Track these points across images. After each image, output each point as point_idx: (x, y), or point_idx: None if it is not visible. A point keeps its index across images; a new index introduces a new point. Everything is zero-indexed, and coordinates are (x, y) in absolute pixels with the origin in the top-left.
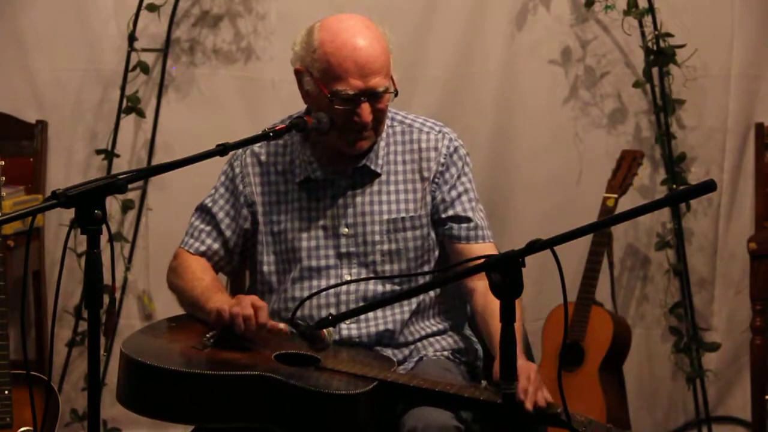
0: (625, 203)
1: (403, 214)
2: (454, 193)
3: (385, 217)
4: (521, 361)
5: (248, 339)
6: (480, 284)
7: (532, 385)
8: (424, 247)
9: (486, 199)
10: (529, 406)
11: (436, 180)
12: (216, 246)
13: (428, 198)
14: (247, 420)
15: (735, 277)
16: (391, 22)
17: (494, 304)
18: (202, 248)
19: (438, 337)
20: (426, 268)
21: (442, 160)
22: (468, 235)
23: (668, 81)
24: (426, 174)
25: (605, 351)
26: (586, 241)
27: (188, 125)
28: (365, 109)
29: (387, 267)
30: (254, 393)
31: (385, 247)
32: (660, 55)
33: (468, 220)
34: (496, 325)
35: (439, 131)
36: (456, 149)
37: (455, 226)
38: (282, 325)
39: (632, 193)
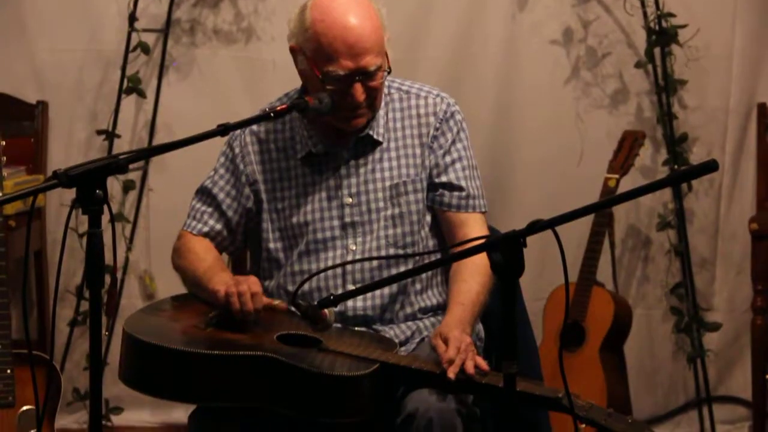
0: (627, 184)
1: (404, 179)
2: (448, 159)
3: (387, 183)
4: (457, 332)
5: (248, 320)
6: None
7: (461, 355)
8: (424, 210)
9: (486, 179)
10: (450, 375)
11: (432, 144)
12: (218, 226)
13: (426, 162)
14: (247, 400)
15: (736, 257)
16: (392, 1)
17: (467, 266)
18: (205, 229)
19: (439, 317)
20: (422, 233)
21: (437, 125)
22: (459, 204)
23: (670, 61)
24: (425, 139)
25: (606, 331)
26: (587, 221)
27: (189, 106)
28: (357, 89)
29: (390, 231)
30: (255, 373)
31: (388, 212)
32: (662, 35)
33: (460, 188)
34: (459, 285)
35: (437, 95)
36: (452, 114)
37: (447, 193)
38: (277, 301)
39: (634, 173)
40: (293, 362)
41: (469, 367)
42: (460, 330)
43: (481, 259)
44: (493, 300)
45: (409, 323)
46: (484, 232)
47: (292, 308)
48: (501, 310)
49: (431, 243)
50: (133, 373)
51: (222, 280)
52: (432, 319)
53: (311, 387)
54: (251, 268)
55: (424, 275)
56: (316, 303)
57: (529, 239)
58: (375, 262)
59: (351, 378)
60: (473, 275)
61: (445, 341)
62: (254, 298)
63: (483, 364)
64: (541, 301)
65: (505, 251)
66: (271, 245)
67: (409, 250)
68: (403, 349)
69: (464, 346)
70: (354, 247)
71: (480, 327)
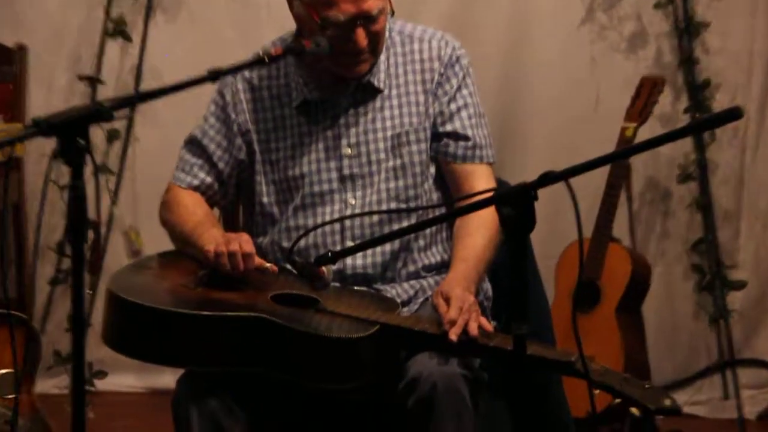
0: (645, 133)
1: (407, 128)
2: (453, 107)
3: (389, 132)
4: (459, 290)
5: (241, 279)
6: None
7: (463, 315)
8: (427, 161)
9: (495, 128)
10: (452, 336)
11: (436, 91)
12: (209, 179)
13: (430, 110)
14: (240, 364)
15: (762, 209)
16: None
17: (473, 221)
18: (195, 182)
19: (444, 275)
20: (426, 186)
21: (442, 71)
22: (465, 154)
23: (691, 1)
24: (429, 86)
25: (623, 290)
26: (602, 173)
27: (177, 49)
28: (360, 35)
29: (392, 184)
30: (248, 335)
31: (390, 164)
32: None
33: (466, 138)
34: (463, 240)
35: (441, 38)
36: (458, 59)
37: (452, 143)
38: (269, 265)
39: (652, 121)
40: (288, 324)
41: (473, 329)
42: (463, 288)
43: (489, 214)
44: (502, 257)
45: (412, 282)
46: (492, 184)
47: (288, 266)
48: (510, 268)
49: (435, 196)
50: (117, 335)
51: (212, 237)
52: (436, 277)
53: (307, 350)
54: (244, 223)
55: (427, 231)
56: (312, 260)
57: (541, 192)
58: (375, 217)
59: (349, 340)
60: (479, 230)
61: (447, 300)
62: (246, 258)
63: (487, 325)
64: (554, 258)
65: (515, 205)
66: (265, 199)
67: (412, 204)
68: (405, 309)
69: (467, 306)
70: (353, 201)
71: (487, 285)
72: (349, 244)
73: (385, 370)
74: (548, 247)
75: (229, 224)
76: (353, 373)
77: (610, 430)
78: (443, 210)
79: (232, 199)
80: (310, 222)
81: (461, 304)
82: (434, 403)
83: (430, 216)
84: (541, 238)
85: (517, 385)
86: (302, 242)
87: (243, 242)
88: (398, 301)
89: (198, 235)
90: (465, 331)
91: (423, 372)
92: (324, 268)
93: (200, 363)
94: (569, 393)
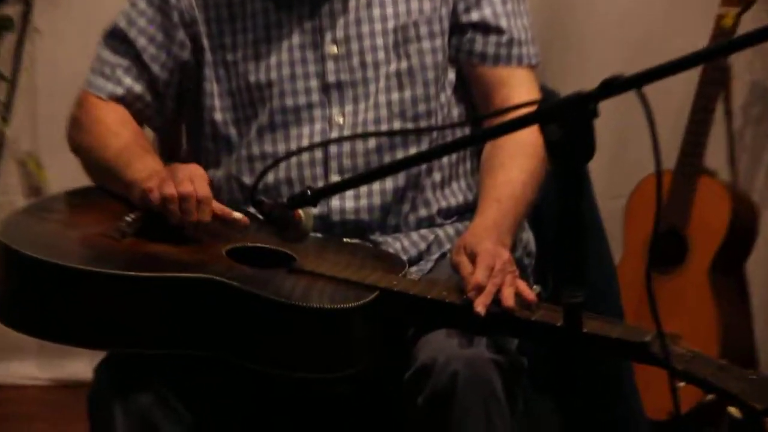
0: (749, 22)
1: (415, 17)
2: None
3: (390, 24)
4: (489, 244)
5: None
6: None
7: (494, 278)
8: (444, 64)
9: (539, 18)
10: (478, 308)
11: None
12: (138, 88)
13: None
14: (184, 345)
15: None
16: None
17: (508, 146)
18: (119, 91)
19: (467, 222)
20: (442, 98)
21: None
22: (498, 53)
23: None
24: None
25: (719, 243)
26: (690, 79)
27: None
28: None
29: (395, 96)
30: (195, 306)
31: (392, 67)
32: None
33: (499, 30)
34: (495, 174)
35: None
36: None
37: (479, 37)
38: (237, 214)
39: (758, 8)
40: (251, 289)
41: (507, 297)
42: (494, 240)
43: (530, 136)
44: (549, 197)
45: (424, 232)
46: (535, 95)
47: (250, 210)
48: (560, 212)
49: (455, 112)
50: (11, 305)
51: (146, 167)
52: (458, 225)
53: (277, 326)
54: (188, 152)
55: (445, 161)
56: (285, 201)
57: (604, 107)
58: (372, 143)
59: (336, 312)
60: (516, 159)
61: (472, 258)
62: (201, 204)
63: (528, 292)
64: (621, 199)
65: (567, 123)
66: (218, 116)
67: (423, 123)
68: (414, 270)
69: (500, 265)
70: (341, 120)
71: (529, 236)
72: (336, 179)
73: (384, 354)
74: (613, 183)
75: (166, 153)
76: (340, 358)
77: None
78: (466, 131)
79: (171, 116)
80: (281, 148)
81: (492, 262)
82: (454, 400)
83: (449, 140)
84: (604, 170)
85: (569, 377)
86: (270, 176)
87: (197, 180)
88: (404, 258)
89: (125, 163)
90: (497, 300)
91: (438, 357)
92: (301, 213)
93: (127, 343)
94: (643, 387)
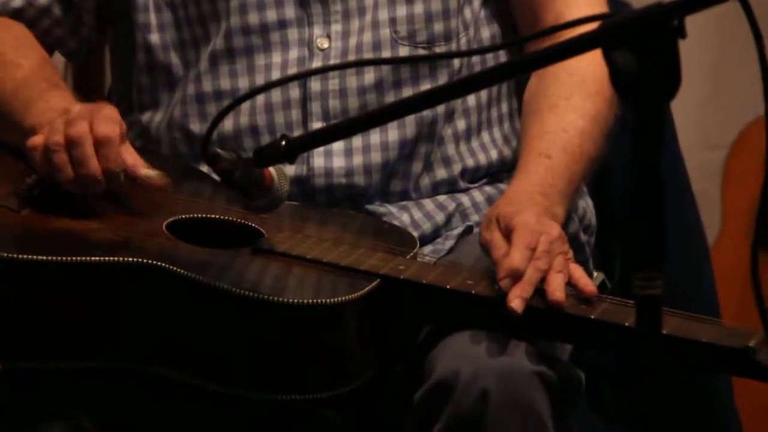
0: None
1: None
2: None
3: None
4: (530, 216)
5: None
6: None
7: (538, 262)
8: None
9: None
10: (514, 303)
11: None
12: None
13: None
14: (107, 357)
15: None
16: None
17: (560, 80)
18: (17, 2)
19: (504, 185)
20: (467, 13)
21: None
22: None
23: None
24: None
25: None
26: None
27: None
28: None
29: (400, 11)
30: (120, 302)
31: None
32: None
33: None
34: (543, 117)
35: None
36: None
37: None
38: (153, 173)
39: None
40: (200, 277)
41: (556, 288)
42: (538, 210)
43: (592, 68)
44: (616, 152)
45: (442, 199)
46: (599, 7)
47: (202, 167)
48: (633, 172)
49: (486, 34)
50: None
51: (52, 107)
52: (489, 189)
53: (237, 329)
54: (114, 88)
55: (471, 102)
56: (251, 155)
57: (695, 28)
58: (369, 75)
59: (321, 309)
60: (573, 99)
61: (508, 233)
62: (103, 148)
63: (586, 280)
64: (718, 151)
65: (643, 47)
66: (154, 38)
67: (440, 48)
68: (428, 250)
69: (546, 244)
70: (326, 44)
71: (587, 204)
72: (319, 125)
73: (387, 366)
74: (708, 130)
75: (83, 88)
76: (327, 372)
77: None
78: (501, 60)
79: (90, 38)
80: (243, 84)
81: (534, 240)
82: (483, 427)
83: (476, 71)
84: (694, 114)
85: (643, 397)
86: (228, 123)
87: (99, 120)
88: (415, 234)
89: (23, 104)
90: (540, 291)
91: (462, 370)
92: (272, 172)
93: (29, 354)
94: (747, 411)
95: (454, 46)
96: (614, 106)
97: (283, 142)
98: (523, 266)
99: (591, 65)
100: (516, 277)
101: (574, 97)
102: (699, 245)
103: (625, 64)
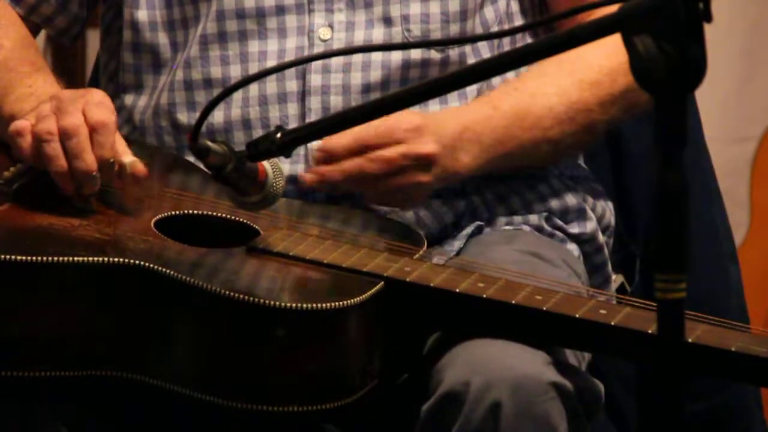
0: None
1: None
2: None
3: None
4: (406, 115)
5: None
6: None
7: (368, 156)
8: None
9: None
10: (307, 175)
11: None
12: None
13: None
14: (91, 364)
15: None
16: None
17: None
18: None
19: (514, 182)
20: (489, 14)
21: None
22: None
23: None
24: None
25: None
26: None
27: None
28: None
29: (416, 7)
30: (105, 306)
31: None
32: None
33: None
34: (524, 75)
35: None
36: None
37: None
38: (126, 158)
39: None
40: (190, 279)
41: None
42: (439, 136)
43: (606, 58)
44: (636, 146)
45: (451, 197)
46: None
47: (190, 159)
48: (654, 167)
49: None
50: None
51: (34, 92)
52: (502, 188)
53: (229, 335)
54: (103, 68)
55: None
56: (245, 148)
57: (719, 8)
58: (376, 73)
59: (320, 314)
60: (564, 76)
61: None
62: (99, 134)
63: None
64: (748, 143)
65: (664, 32)
66: (141, 14)
67: (454, 52)
68: (438, 249)
69: (394, 136)
70: (327, 34)
71: (606, 205)
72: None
73: (391, 375)
74: (735, 121)
75: (67, 72)
76: (325, 382)
77: None
78: (517, 42)
79: (79, 15)
80: (235, 72)
81: (373, 134)
82: None
83: (491, 56)
84: (722, 105)
85: (667, 410)
86: (218, 113)
87: (92, 106)
88: (422, 233)
89: (5, 88)
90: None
91: (473, 380)
92: (267, 167)
93: (4, 363)
94: None
95: (468, 49)
96: (612, 108)
97: (279, 135)
98: (339, 152)
99: (606, 57)
100: (329, 158)
101: (565, 78)
102: (725, 246)
103: (646, 51)
